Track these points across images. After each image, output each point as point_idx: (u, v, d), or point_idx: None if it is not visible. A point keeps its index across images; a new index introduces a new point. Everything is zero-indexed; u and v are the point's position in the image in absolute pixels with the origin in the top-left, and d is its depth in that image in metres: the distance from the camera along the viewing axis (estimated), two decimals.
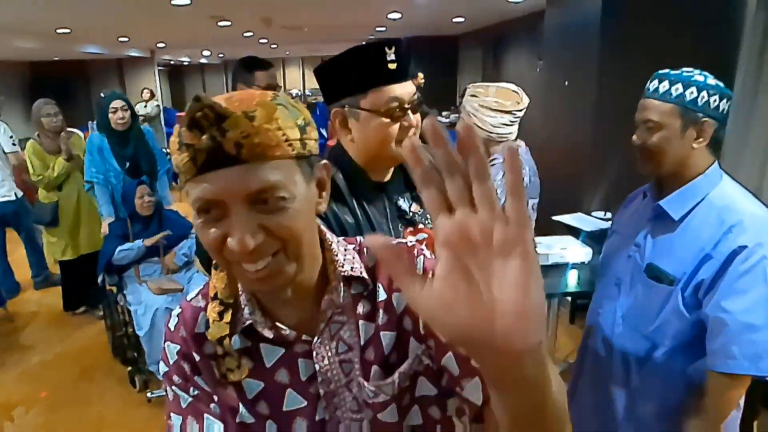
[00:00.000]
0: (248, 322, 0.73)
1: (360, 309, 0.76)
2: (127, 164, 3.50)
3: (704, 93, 1.25)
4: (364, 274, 0.77)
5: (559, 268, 2.49)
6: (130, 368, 3.16)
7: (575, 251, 2.55)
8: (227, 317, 0.73)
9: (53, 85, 10.77)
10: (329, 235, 0.80)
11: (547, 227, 3.05)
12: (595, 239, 2.72)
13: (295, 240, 0.65)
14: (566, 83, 3.79)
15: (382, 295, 0.77)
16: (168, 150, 7.51)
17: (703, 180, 1.31)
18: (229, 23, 6.75)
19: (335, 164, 1.19)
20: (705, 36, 3.28)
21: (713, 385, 1.27)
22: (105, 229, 3.38)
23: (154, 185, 3.54)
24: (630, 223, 1.52)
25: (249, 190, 0.60)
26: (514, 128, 2.08)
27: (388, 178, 1.25)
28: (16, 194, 4.28)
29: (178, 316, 0.78)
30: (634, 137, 1.37)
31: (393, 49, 1.11)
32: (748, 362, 1.20)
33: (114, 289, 3.19)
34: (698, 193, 1.31)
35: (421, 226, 1.27)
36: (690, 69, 1.30)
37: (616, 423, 1.49)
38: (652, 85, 1.32)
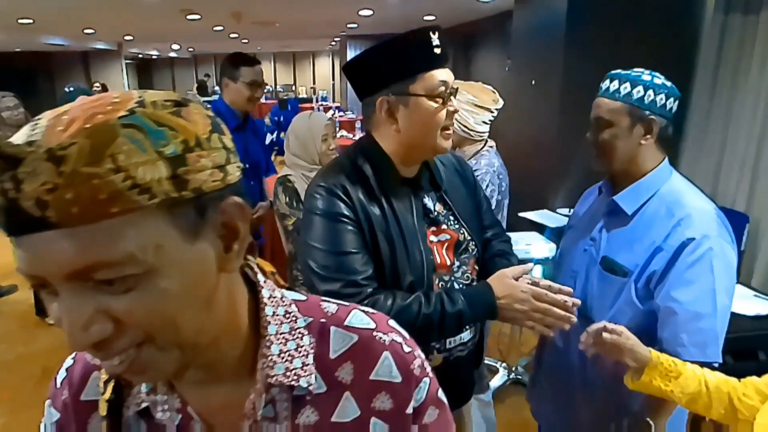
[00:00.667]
0: (144, 404, 0.55)
1: (302, 419, 0.55)
2: None
3: (650, 92, 1.31)
4: (309, 377, 0.55)
5: (524, 263, 2.54)
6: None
7: (540, 247, 2.61)
8: (109, 391, 0.55)
9: (16, 77, 10.47)
10: (267, 291, 0.57)
11: (513, 223, 3.10)
12: (559, 235, 2.77)
13: (166, 328, 0.45)
14: (533, 83, 3.86)
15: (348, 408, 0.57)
16: None
17: (653, 176, 1.37)
18: (198, 17, 6.66)
19: (364, 156, 1.21)
20: (667, 37, 3.38)
21: None
22: None
23: None
24: (586, 218, 1.57)
25: (69, 268, 0.41)
26: (488, 128, 2.11)
27: (414, 174, 1.25)
28: None
29: (67, 370, 0.62)
30: (588, 134, 1.42)
31: (437, 34, 1.13)
32: (696, 349, 1.26)
33: None
34: (649, 188, 1.36)
35: (444, 227, 1.26)
36: (640, 69, 1.36)
37: (574, 411, 1.53)
38: (604, 84, 1.38)
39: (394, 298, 1.13)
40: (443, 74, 1.15)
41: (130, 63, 15.89)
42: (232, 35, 10.54)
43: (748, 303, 2.13)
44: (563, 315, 1.13)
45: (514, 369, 3.07)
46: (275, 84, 19.00)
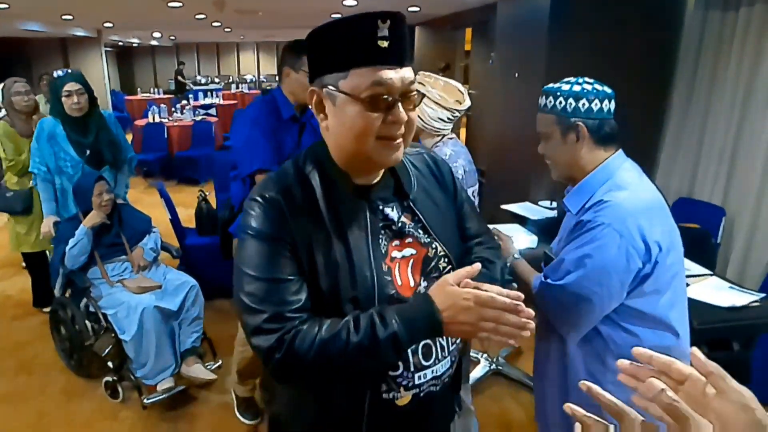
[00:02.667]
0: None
1: None
2: (87, 153, 3.13)
3: (571, 99, 1.40)
4: None
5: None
6: (108, 378, 2.85)
7: (521, 239, 2.62)
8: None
9: None
10: None
11: (495, 216, 3.12)
12: (540, 227, 2.80)
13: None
14: (516, 75, 3.87)
15: None
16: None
17: (593, 176, 1.44)
18: (180, 5, 6.54)
19: (313, 161, 1.05)
20: (648, 32, 3.41)
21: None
22: (46, 228, 3.04)
23: (116, 176, 3.27)
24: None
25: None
26: (449, 126, 2.10)
27: (375, 181, 1.08)
28: None
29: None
30: (538, 149, 1.53)
31: (387, 23, 0.93)
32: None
33: (68, 293, 2.95)
34: (589, 188, 1.44)
35: (409, 240, 1.08)
36: (568, 79, 1.44)
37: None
38: (541, 100, 1.48)
39: (320, 328, 0.95)
40: (388, 73, 0.93)
41: (110, 51, 15.58)
42: (214, 24, 10.39)
43: (723, 294, 2.17)
44: (518, 321, 0.93)
45: (494, 360, 3.10)
46: (258, 74, 18.83)
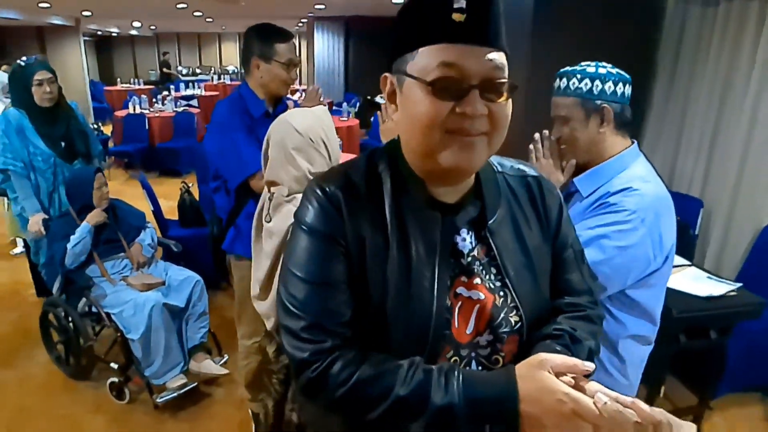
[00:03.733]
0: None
1: None
2: (62, 145, 3.02)
3: (598, 82, 1.38)
4: None
5: None
6: (114, 379, 2.77)
7: None
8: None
9: None
10: None
11: None
12: None
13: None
14: None
15: None
16: (96, 127, 6.93)
17: (612, 162, 1.42)
18: None
19: (388, 160, 0.90)
20: (630, 26, 3.45)
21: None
22: (35, 227, 2.90)
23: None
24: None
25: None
26: None
27: (455, 200, 0.89)
28: None
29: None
30: (553, 132, 1.49)
31: None
32: None
33: (65, 295, 2.81)
34: (606, 174, 1.42)
35: (477, 281, 0.88)
36: (587, 63, 1.42)
37: None
38: (556, 83, 1.45)
39: (363, 361, 0.80)
40: (463, 54, 0.76)
41: (88, 40, 15.28)
42: (196, 13, 10.25)
43: (701, 284, 2.22)
44: None
45: None
46: (240, 65, 18.61)
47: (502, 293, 0.89)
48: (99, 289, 2.75)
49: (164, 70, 15.00)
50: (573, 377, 0.73)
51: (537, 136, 1.53)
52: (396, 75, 0.83)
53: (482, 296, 0.88)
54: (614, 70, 1.40)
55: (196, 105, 9.66)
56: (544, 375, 0.72)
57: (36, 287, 3.79)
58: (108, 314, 2.67)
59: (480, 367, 0.87)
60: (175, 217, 4.03)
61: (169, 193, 5.01)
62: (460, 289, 0.87)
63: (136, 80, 13.58)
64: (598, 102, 1.38)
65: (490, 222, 0.89)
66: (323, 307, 0.83)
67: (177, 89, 11.24)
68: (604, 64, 1.41)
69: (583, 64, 1.42)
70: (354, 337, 0.83)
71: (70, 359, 2.94)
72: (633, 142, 1.45)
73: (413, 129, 0.80)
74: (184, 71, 17.09)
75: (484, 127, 0.78)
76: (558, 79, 1.44)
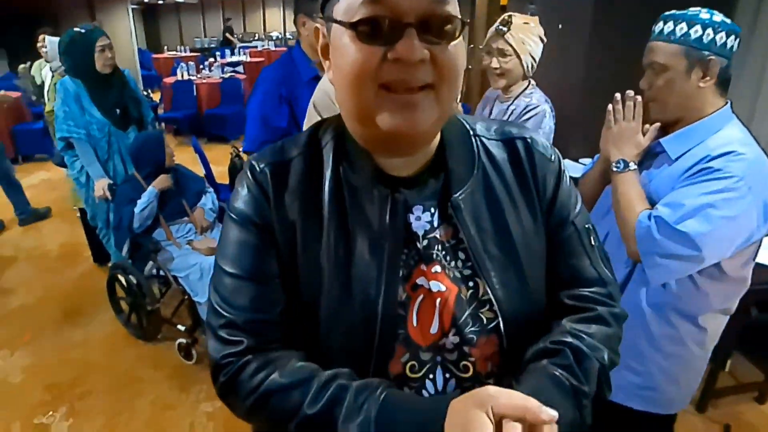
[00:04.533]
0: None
1: None
2: (117, 112, 3.04)
3: (709, 30, 1.23)
4: None
5: None
6: (182, 340, 2.83)
7: None
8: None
9: (20, 21, 10.24)
10: None
11: None
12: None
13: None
14: (560, 27, 3.70)
15: None
16: (146, 94, 7.08)
17: (707, 122, 1.29)
18: None
19: (333, 132, 0.77)
20: None
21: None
22: (100, 192, 2.97)
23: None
24: None
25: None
26: None
27: (412, 172, 0.74)
28: None
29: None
30: (642, 82, 1.35)
31: None
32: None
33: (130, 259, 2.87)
34: (699, 134, 1.29)
35: (437, 268, 0.73)
36: (696, 8, 1.27)
37: None
38: (657, 27, 1.30)
39: (277, 369, 0.69)
40: None
41: (136, 9, 15.48)
42: None
43: None
44: None
45: None
46: (284, 31, 18.54)
47: (471, 283, 0.72)
48: (165, 253, 2.81)
49: (227, 35, 15.29)
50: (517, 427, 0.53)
51: (618, 96, 1.40)
52: (326, 23, 0.67)
53: (443, 287, 0.72)
54: (727, 20, 1.24)
55: (242, 71, 9.70)
56: (476, 417, 0.55)
57: (92, 253, 3.92)
58: (175, 277, 2.73)
59: (447, 375, 0.72)
60: (226, 181, 4.07)
61: (218, 158, 5.08)
62: (420, 280, 0.72)
63: (182, 47, 13.72)
64: (705, 53, 1.23)
65: (454, 195, 0.72)
66: (243, 304, 0.72)
67: (222, 56, 11.30)
68: (715, 12, 1.25)
69: (693, 9, 1.26)
70: (280, 338, 0.72)
71: (138, 321, 3.02)
72: (727, 102, 1.31)
73: (344, 86, 0.65)
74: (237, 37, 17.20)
75: (428, 77, 0.62)
76: (662, 23, 1.29)
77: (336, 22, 0.64)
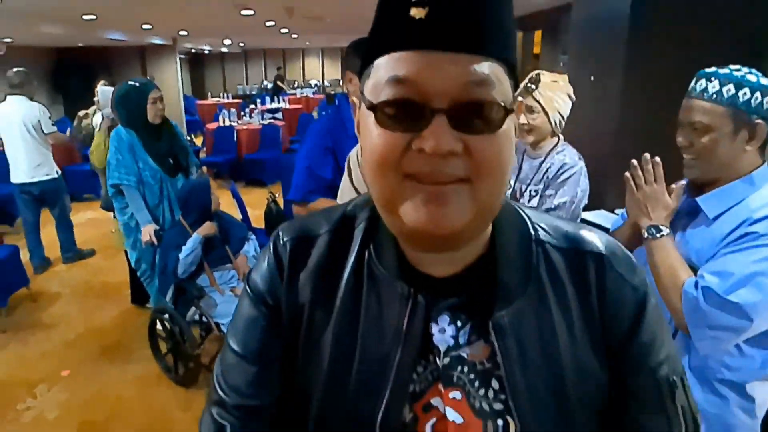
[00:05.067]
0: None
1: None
2: (170, 161, 3.18)
3: (758, 93, 1.21)
4: None
5: None
6: None
7: None
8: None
9: (77, 70, 10.94)
10: None
11: None
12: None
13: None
14: (592, 78, 3.74)
15: None
16: (189, 139, 7.36)
17: (746, 182, 1.27)
18: (252, 12, 6.77)
19: (370, 211, 0.66)
20: (739, 32, 3.21)
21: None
22: (147, 237, 3.04)
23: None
24: None
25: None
26: None
27: (448, 272, 0.61)
28: (57, 172, 4.58)
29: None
30: (680, 139, 1.32)
31: None
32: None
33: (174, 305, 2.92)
34: (738, 194, 1.27)
35: (457, 394, 0.60)
36: (738, 67, 1.25)
37: None
38: (699, 84, 1.27)
39: None
40: (417, 63, 0.51)
41: (183, 58, 16.35)
42: (282, 30, 10.69)
43: None
44: None
45: None
46: (323, 79, 19.21)
47: (500, 422, 0.59)
48: (209, 299, 2.85)
49: (278, 83, 16.12)
50: None
51: (634, 161, 1.39)
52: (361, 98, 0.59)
53: (460, 419, 0.59)
54: None
55: (281, 118, 10.04)
56: None
57: (132, 293, 4.03)
58: (217, 324, 2.75)
59: None
60: (262, 225, 4.17)
61: (256, 202, 5.21)
62: (435, 400, 0.60)
63: (225, 94, 14.33)
64: (753, 116, 1.22)
65: (498, 313, 0.59)
66: (238, 385, 0.67)
67: (263, 102, 11.76)
68: (758, 72, 1.24)
69: (735, 67, 1.25)
70: (268, 427, 0.67)
71: (175, 366, 3.04)
72: (764, 161, 1.30)
73: (367, 170, 0.57)
74: (269, 85, 17.92)
75: (461, 171, 0.51)
76: (705, 81, 1.26)
77: (364, 98, 0.56)
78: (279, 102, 11.91)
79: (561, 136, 2.05)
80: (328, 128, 2.18)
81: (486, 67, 0.51)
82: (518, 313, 0.60)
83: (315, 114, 9.28)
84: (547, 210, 1.94)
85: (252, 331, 0.67)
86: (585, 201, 1.97)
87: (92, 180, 6.45)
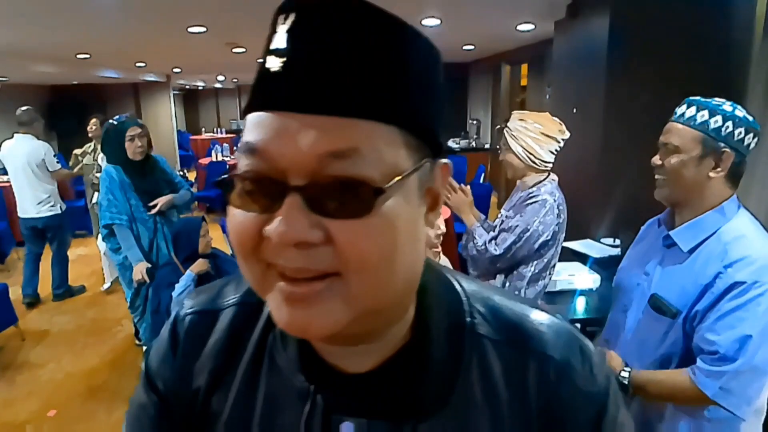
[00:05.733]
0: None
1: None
2: (153, 197, 3.15)
3: (729, 123, 1.25)
4: None
5: (567, 294, 2.49)
6: None
7: (583, 278, 2.55)
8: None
9: (72, 108, 11.03)
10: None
11: None
12: (602, 265, 2.72)
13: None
14: (575, 110, 3.83)
15: None
16: (182, 174, 7.43)
17: (717, 213, 1.30)
18: (243, 50, 6.90)
19: None
20: (712, 62, 3.31)
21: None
22: (139, 275, 3.03)
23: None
24: (642, 251, 1.53)
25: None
26: (553, 158, 2.07)
27: (366, 367, 0.50)
28: (61, 207, 4.65)
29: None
30: (655, 158, 1.37)
31: (289, 20, 0.41)
32: (723, 398, 1.22)
33: None
34: (710, 226, 1.30)
35: None
36: (723, 100, 1.30)
37: None
38: (680, 109, 1.33)
39: None
40: (266, 130, 0.41)
41: (177, 94, 16.54)
42: None
43: None
44: None
45: None
46: None
47: None
48: None
49: None
50: None
51: None
52: None
53: None
54: (750, 117, 1.27)
55: None
56: None
57: (135, 332, 3.89)
58: None
59: None
60: None
61: None
62: None
63: (219, 129, 14.47)
64: (721, 144, 1.26)
65: (412, 426, 0.49)
66: None
67: None
68: (739, 106, 1.29)
69: (718, 99, 1.30)
70: None
71: None
72: (734, 193, 1.33)
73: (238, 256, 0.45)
74: None
75: (326, 264, 0.41)
76: (685, 107, 1.31)
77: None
78: None
79: (550, 174, 2.09)
80: None
81: (354, 135, 0.40)
82: (440, 427, 0.49)
83: None
84: (501, 231, 1.97)
85: (140, 420, 0.59)
86: (544, 238, 1.97)
87: (85, 217, 6.46)
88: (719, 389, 1.21)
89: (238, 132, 15.49)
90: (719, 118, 1.25)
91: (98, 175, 3.97)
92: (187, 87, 17.63)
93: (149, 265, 3.10)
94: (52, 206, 4.57)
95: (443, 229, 1.27)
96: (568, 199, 2.09)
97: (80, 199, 7.01)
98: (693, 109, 1.28)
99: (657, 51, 3.30)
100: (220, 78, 14.95)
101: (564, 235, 2.11)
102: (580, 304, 2.44)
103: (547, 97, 5.04)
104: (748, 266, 1.21)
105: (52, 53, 6.59)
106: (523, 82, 8.38)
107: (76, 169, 5.02)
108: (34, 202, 4.48)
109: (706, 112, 1.26)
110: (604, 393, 0.52)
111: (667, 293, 1.33)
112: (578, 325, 3.76)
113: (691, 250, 1.32)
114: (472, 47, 7.19)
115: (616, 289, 1.60)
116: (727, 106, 1.27)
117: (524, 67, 8.11)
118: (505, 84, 8.13)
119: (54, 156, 4.58)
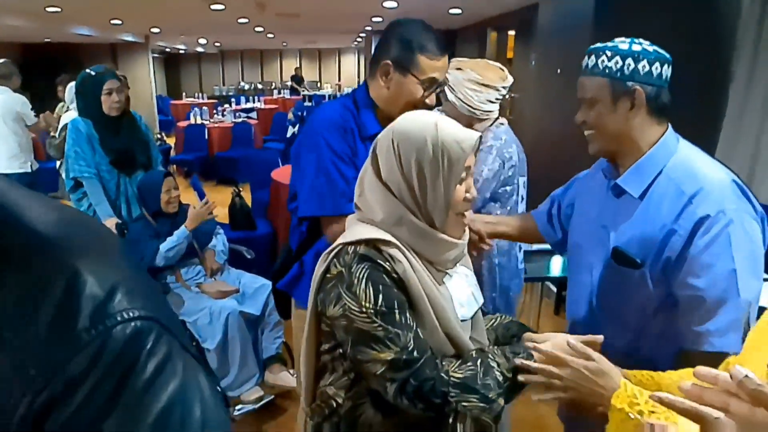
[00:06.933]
0: None
1: None
2: (123, 156, 2.96)
3: (630, 60, 1.20)
4: None
5: (544, 254, 2.45)
6: None
7: None
8: None
9: (46, 67, 10.66)
10: None
11: None
12: None
13: None
14: (558, 71, 3.74)
15: None
16: (159, 137, 7.31)
17: (656, 151, 1.26)
18: (222, 7, 6.66)
19: None
20: (699, 27, 3.24)
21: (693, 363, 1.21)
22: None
23: None
24: (593, 204, 1.44)
25: None
26: (496, 107, 2.02)
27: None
28: (32, 166, 4.52)
29: None
30: (576, 116, 1.33)
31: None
32: (717, 339, 1.15)
33: None
34: (654, 164, 1.25)
35: None
36: (621, 39, 1.25)
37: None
38: (584, 61, 1.29)
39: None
40: None
41: (157, 57, 16.09)
42: (257, 29, 10.57)
43: None
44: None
45: None
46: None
47: None
48: (175, 296, 2.65)
49: (293, 84, 16.11)
50: None
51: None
52: None
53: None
54: (651, 48, 1.22)
55: (255, 117, 9.92)
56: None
57: None
58: (183, 322, 2.54)
59: None
60: (227, 221, 4.07)
61: (226, 201, 5.10)
62: None
63: (200, 94, 14.14)
64: (629, 83, 1.21)
65: None
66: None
67: (237, 103, 11.61)
68: (640, 40, 1.23)
69: (616, 40, 1.25)
70: None
71: None
72: (668, 126, 1.28)
73: None
74: (246, 86, 17.75)
75: None
76: (587, 57, 1.27)
77: None
78: (255, 102, 11.78)
79: (497, 120, 2.05)
80: (342, 133, 1.63)
81: None
82: None
83: (290, 115, 9.21)
84: None
85: None
86: (498, 184, 1.97)
87: (58, 178, 6.29)
88: (725, 336, 1.14)
89: (220, 98, 15.17)
90: (618, 58, 1.21)
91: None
92: (168, 50, 17.17)
93: (120, 221, 2.93)
94: (23, 163, 4.45)
95: (474, 193, 1.13)
96: (551, 161, 2.04)
97: (53, 161, 6.81)
98: (593, 58, 1.25)
99: (643, 14, 3.21)
100: (202, 41, 14.55)
101: (526, 177, 2.07)
102: (556, 264, 2.40)
103: (533, 63, 4.94)
104: (707, 198, 1.16)
105: (18, 4, 6.30)
106: (510, 54, 8.24)
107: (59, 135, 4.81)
108: (5, 155, 4.35)
109: (604, 57, 1.23)
110: None
111: (627, 245, 1.27)
112: (554, 289, 3.76)
113: (642, 195, 1.26)
114: (459, 11, 7.01)
115: (575, 248, 1.52)
116: (624, 45, 1.22)
117: (511, 39, 7.96)
118: (491, 53, 7.98)
119: (31, 109, 4.44)
